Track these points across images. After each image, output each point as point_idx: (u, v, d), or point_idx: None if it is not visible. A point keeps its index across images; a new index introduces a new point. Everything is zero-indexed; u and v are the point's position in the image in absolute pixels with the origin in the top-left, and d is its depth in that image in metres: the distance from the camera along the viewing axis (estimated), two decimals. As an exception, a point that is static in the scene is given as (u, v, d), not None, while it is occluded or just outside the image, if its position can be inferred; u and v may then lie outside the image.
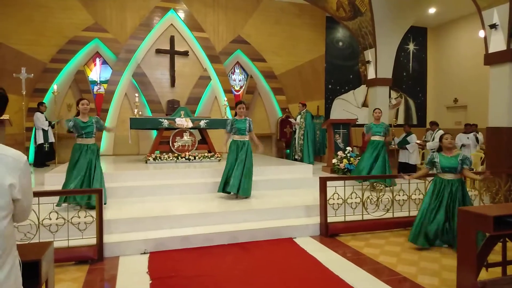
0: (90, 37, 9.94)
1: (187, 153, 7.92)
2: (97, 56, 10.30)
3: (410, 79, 13.92)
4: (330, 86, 12.68)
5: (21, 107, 8.58)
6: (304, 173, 7.25)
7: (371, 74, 10.21)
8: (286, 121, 10.26)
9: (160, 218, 4.81)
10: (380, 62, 9.92)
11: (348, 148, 7.70)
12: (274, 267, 3.90)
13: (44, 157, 8.76)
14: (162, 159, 7.71)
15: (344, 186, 5.21)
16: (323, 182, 5.08)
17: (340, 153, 7.64)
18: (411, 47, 13.91)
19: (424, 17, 12.61)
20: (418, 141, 9.63)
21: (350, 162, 7.40)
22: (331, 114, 12.58)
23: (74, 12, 9.81)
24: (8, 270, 1.41)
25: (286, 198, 5.94)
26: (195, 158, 7.91)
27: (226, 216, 5.02)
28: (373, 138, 6.72)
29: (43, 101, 9.28)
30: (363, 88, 12.88)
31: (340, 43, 12.84)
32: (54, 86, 8.65)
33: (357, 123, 9.31)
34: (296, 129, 9.62)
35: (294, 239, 4.82)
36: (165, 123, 7.93)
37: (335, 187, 5.19)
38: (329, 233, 4.98)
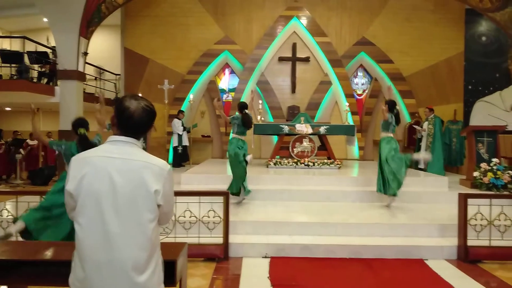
0: (220, 49, 10.81)
1: (306, 159, 7.90)
2: (226, 66, 11.14)
3: None
4: (470, 87, 11.11)
5: (163, 114, 9.82)
6: (438, 186, 6.48)
7: (525, 72, 8.59)
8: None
9: (281, 223, 4.87)
10: (539, 57, 8.26)
11: (495, 160, 6.59)
12: (402, 291, 3.54)
13: (179, 158, 9.83)
14: (282, 164, 7.86)
15: (490, 204, 4.46)
16: (463, 199, 4.42)
17: (483, 165, 6.59)
18: None
19: None
20: None
21: (497, 176, 6.32)
22: (471, 119, 11.00)
23: (208, 28, 10.80)
24: (151, 271, 1.56)
25: (416, 214, 5.37)
26: (314, 165, 7.84)
27: (348, 228, 4.80)
28: None
29: (182, 109, 10.44)
30: (513, 88, 10.93)
31: (483, 38, 11.15)
32: (190, 96, 9.65)
33: (506, 129, 7.93)
34: (422, 136, 8.73)
35: (425, 261, 4.32)
36: (286, 129, 8.08)
37: (478, 205, 4.48)
38: (469, 258, 4.32)
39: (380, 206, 5.76)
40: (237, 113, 5.88)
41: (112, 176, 1.52)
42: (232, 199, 5.42)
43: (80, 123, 4.00)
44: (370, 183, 6.25)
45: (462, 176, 7.92)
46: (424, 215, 5.28)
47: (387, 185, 5.55)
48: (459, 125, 9.55)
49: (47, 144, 4.19)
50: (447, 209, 5.37)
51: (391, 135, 5.74)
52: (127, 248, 1.50)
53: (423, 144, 8.74)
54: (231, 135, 5.87)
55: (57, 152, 4.19)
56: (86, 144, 3.74)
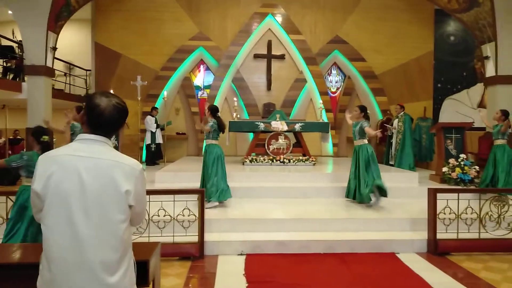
0: (195, 45, 10.67)
1: (281, 156, 7.95)
2: (201, 63, 11.01)
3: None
4: (439, 85, 11.50)
5: (136, 111, 9.60)
6: (408, 181, 6.67)
7: (490, 71, 8.96)
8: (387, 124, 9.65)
9: (257, 220, 4.87)
10: (502, 57, 8.62)
11: (462, 156, 6.85)
12: (375, 284, 3.62)
13: (152, 156, 9.66)
14: (258, 161, 7.87)
15: (458, 199, 4.63)
16: (432, 193, 4.57)
17: (452, 160, 6.84)
18: (543, 37, 11.83)
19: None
20: None
21: (464, 171, 6.58)
22: (440, 116, 11.39)
23: (182, 23, 10.64)
24: (123, 272, 1.51)
25: (388, 208, 5.51)
26: (289, 161, 7.91)
27: (323, 224, 4.86)
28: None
29: (156, 106, 10.24)
30: (479, 86, 11.39)
31: (452, 38, 11.56)
32: (165, 92, 9.47)
33: (473, 126, 8.26)
34: (392, 133, 8.97)
35: (397, 255, 4.44)
36: (261, 126, 8.09)
37: (447, 200, 4.64)
38: (438, 251, 4.47)
39: (353, 202, 5.86)
40: (209, 118, 5.81)
41: (81, 176, 1.47)
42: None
43: (42, 131, 3.82)
44: (344, 179, 6.34)
45: (432, 172, 8.18)
46: (396, 210, 5.42)
47: (358, 191, 5.65)
48: (429, 122, 9.85)
49: (3, 164, 3.73)
50: (418, 204, 5.53)
51: (366, 141, 5.84)
52: (97, 249, 1.45)
53: (393, 141, 8.98)
54: (207, 141, 5.77)
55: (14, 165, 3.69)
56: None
